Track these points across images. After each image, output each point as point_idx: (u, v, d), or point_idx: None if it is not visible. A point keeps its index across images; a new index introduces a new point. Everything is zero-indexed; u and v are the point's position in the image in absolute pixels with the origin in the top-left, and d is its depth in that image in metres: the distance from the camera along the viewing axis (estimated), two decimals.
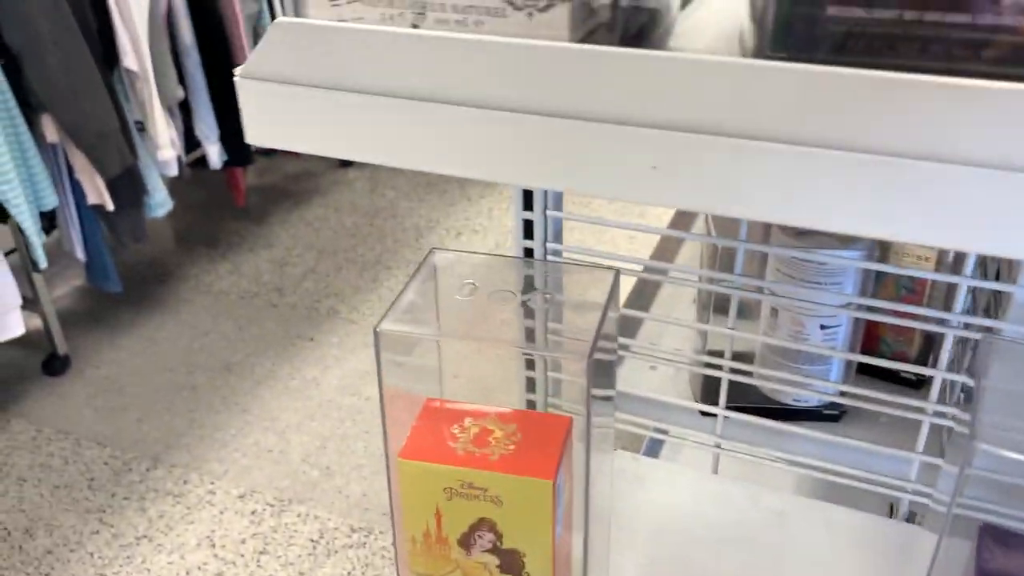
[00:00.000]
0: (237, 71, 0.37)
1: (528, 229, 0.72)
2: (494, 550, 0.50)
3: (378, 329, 0.45)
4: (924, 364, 0.81)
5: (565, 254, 0.75)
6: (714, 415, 0.78)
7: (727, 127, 0.29)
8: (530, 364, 0.75)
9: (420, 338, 0.46)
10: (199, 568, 1.57)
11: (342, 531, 1.67)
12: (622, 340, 0.81)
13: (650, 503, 0.75)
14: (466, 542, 0.50)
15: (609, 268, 0.47)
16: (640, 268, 0.77)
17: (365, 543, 1.65)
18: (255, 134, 0.38)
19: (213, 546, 1.62)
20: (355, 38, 0.33)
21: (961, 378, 0.63)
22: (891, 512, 0.86)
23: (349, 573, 1.59)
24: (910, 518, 0.78)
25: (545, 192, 0.70)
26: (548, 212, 0.72)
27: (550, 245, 0.73)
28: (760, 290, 0.74)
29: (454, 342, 0.47)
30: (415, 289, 0.47)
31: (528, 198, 0.71)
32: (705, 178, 0.30)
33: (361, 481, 1.78)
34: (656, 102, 0.30)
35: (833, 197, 0.28)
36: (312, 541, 1.65)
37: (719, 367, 0.74)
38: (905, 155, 0.26)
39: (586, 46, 0.30)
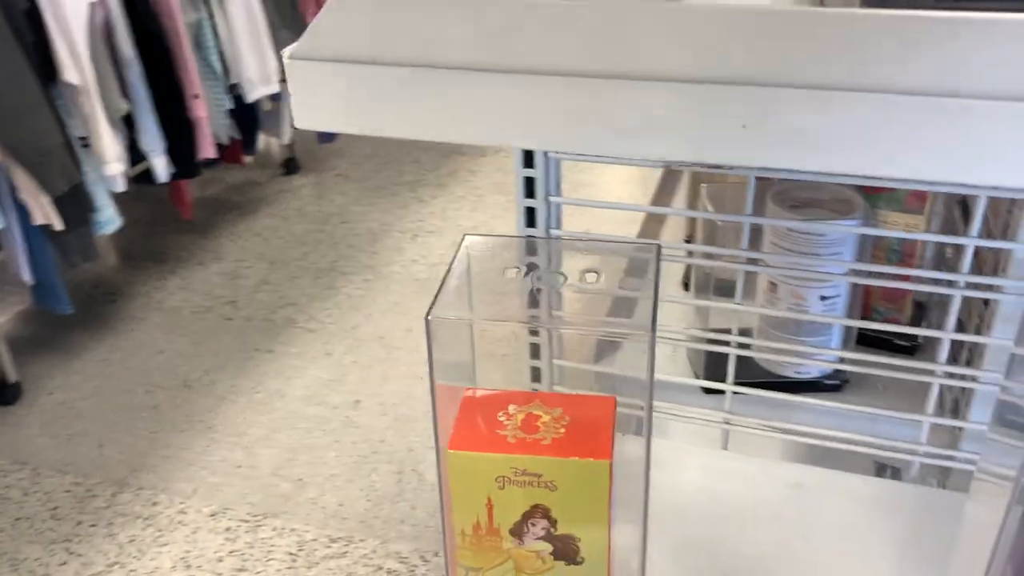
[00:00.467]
0: (285, 53, 0.36)
1: (530, 217, 0.72)
2: (548, 537, 0.49)
3: (429, 317, 0.44)
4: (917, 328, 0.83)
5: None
6: (717, 392, 0.79)
7: (815, 79, 0.29)
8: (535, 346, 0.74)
9: (469, 324, 0.46)
10: None
11: (321, 542, 1.64)
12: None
13: (665, 483, 0.75)
14: (519, 531, 0.49)
15: (649, 244, 0.47)
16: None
17: (346, 552, 1.62)
18: (305, 118, 0.36)
19: (189, 567, 1.58)
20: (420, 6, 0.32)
21: (973, 338, 0.64)
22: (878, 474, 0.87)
23: None
24: (903, 478, 0.80)
25: (547, 178, 0.70)
26: (550, 198, 0.71)
27: (553, 231, 0.73)
28: (758, 264, 0.74)
29: (498, 325, 0.46)
30: (456, 276, 0.47)
31: (530, 185, 0.71)
32: (797, 134, 0.30)
33: (336, 491, 1.75)
34: (744, 57, 0.29)
35: (942, 147, 0.28)
36: (291, 555, 1.62)
37: (726, 343, 0.75)
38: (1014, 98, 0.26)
39: (665, 4, 0.30)
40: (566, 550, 0.49)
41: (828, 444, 0.76)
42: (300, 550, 1.62)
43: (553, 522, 0.48)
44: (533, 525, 0.48)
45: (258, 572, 1.57)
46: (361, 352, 2.14)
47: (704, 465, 0.76)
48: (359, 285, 2.34)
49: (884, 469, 0.88)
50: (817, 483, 0.73)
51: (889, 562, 0.65)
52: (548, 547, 0.49)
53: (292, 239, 2.53)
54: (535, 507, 0.48)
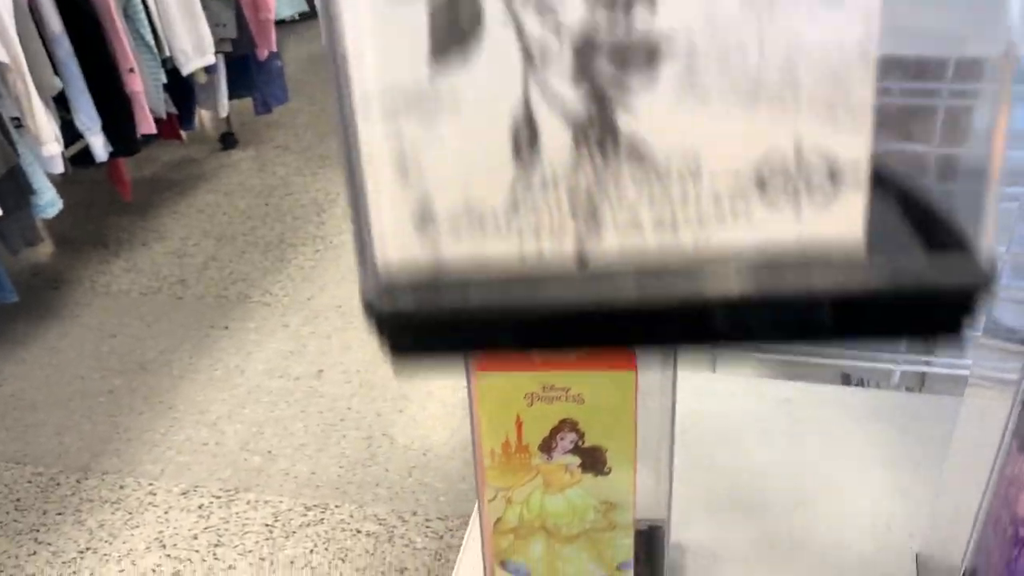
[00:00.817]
0: None
1: None
2: (576, 450, 0.50)
3: None
4: None
5: None
6: None
7: None
8: None
9: None
10: (153, 571, 1.51)
11: (296, 511, 1.64)
12: None
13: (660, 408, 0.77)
14: (547, 446, 0.50)
15: None
16: None
17: (323, 519, 1.63)
18: None
19: (164, 547, 1.56)
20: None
21: None
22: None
23: (312, 550, 1.56)
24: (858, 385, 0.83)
25: None
26: None
27: None
28: None
29: None
30: None
31: None
32: None
33: (307, 460, 1.75)
34: None
35: None
36: (267, 526, 1.61)
37: None
38: None
39: None
40: (594, 461, 0.50)
41: (810, 360, 0.79)
42: (276, 520, 1.62)
43: (581, 435, 0.49)
44: (562, 439, 0.49)
45: (235, 546, 1.57)
46: (319, 323, 2.12)
47: (696, 387, 0.78)
48: (310, 256, 2.32)
49: (849, 379, 0.91)
50: (805, 397, 0.76)
51: (882, 465, 0.69)
52: (576, 460, 0.50)
53: (237, 214, 2.48)
54: (563, 421, 0.49)
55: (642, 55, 0.19)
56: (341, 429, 1.83)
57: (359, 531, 1.60)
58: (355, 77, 0.19)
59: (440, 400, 1.86)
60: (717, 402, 0.77)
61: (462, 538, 0.68)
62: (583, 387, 0.48)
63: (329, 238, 2.37)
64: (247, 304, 2.15)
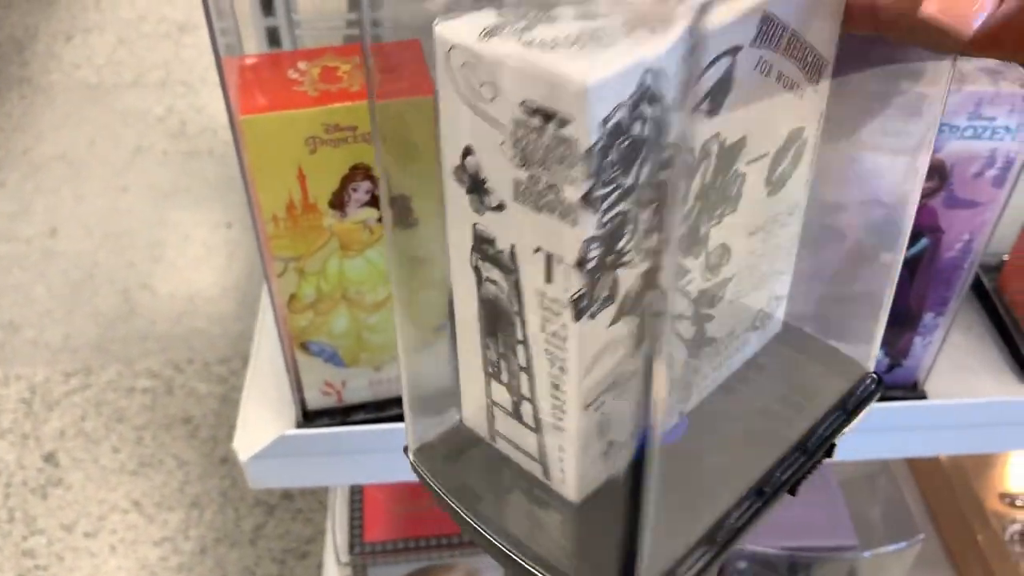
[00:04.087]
0: None
1: (267, 6, 0.60)
2: (373, 201, 0.44)
3: None
4: None
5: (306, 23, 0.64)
6: None
7: None
8: None
9: None
10: None
11: (55, 380, 1.48)
12: None
13: None
14: (339, 201, 0.43)
15: None
16: None
17: (89, 383, 1.48)
18: None
19: None
20: None
21: None
22: None
23: (83, 417, 1.43)
24: None
25: None
26: None
27: (294, 15, 0.62)
28: None
29: None
30: None
31: None
32: None
33: (56, 326, 1.57)
34: None
35: None
36: (24, 402, 1.45)
37: None
38: None
39: None
40: (396, 213, 0.44)
41: None
42: (33, 394, 1.45)
43: (377, 182, 0.43)
44: (355, 191, 0.43)
45: None
46: (42, 176, 1.87)
47: None
48: (16, 103, 2.01)
49: None
50: None
51: None
52: (375, 214, 0.44)
53: None
54: (355, 168, 0.42)
55: (721, 290, 0.29)
56: (91, 287, 1.65)
57: (132, 388, 1.48)
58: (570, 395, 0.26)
59: (200, 241, 1.71)
60: None
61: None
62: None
63: (36, 79, 2.06)
64: None
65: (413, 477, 0.57)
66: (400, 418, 0.53)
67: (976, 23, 0.22)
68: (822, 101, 0.28)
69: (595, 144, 0.21)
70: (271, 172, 0.41)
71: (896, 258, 0.32)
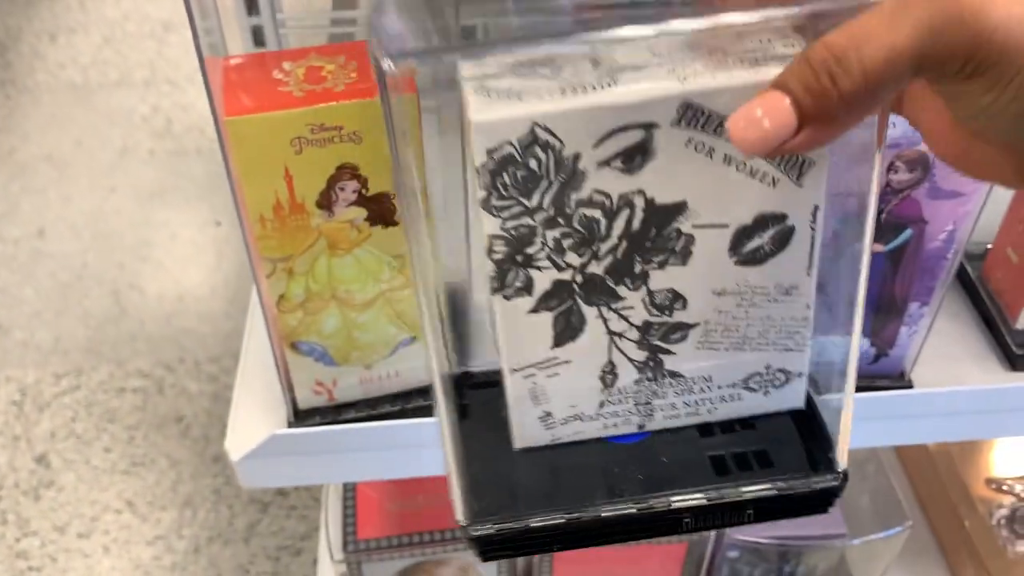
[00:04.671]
0: None
1: (251, 5, 0.60)
2: (360, 200, 0.44)
3: None
4: None
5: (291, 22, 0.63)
6: None
7: None
8: None
9: None
10: None
11: (46, 382, 1.48)
12: None
13: None
14: (327, 200, 0.43)
15: None
16: None
17: (79, 385, 1.48)
18: None
19: None
20: None
21: None
22: None
23: (73, 419, 1.43)
24: None
25: None
26: None
27: (279, 15, 0.61)
28: None
29: None
30: None
31: None
32: None
33: (46, 327, 1.56)
34: None
35: None
36: (15, 403, 1.44)
37: None
38: None
39: None
40: (382, 211, 0.44)
41: None
42: (24, 396, 1.45)
43: (364, 182, 0.43)
44: (342, 190, 0.43)
45: None
46: (28, 177, 1.86)
47: None
48: (1, 104, 1.99)
49: None
50: None
51: None
52: (362, 212, 0.44)
53: None
54: (341, 168, 0.42)
55: (678, 331, 0.33)
56: (80, 288, 1.64)
57: (123, 389, 1.48)
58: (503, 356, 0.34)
59: (188, 240, 1.71)
60: None
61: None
62: (359, 121, 0.41)
63: (20, 80, 2.05)
64: None
65: (405, 474, 0.57)
66: (392, 416, 0.54)
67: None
68: (814, 196, 0.30)
69: (483, 165, 0.29)
70: (257, 173, 0.41)
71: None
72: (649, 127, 0.28)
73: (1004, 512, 0.83)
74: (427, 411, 0.54)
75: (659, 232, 0.30)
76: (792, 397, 0.35)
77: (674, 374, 0.34)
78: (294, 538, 1.31)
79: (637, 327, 0.33)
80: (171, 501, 1.34)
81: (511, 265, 0.31)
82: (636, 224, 0.30)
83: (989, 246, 0.66)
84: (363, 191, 0.44)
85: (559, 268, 0.31)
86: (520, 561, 0.72)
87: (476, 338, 0.44)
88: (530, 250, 0.31)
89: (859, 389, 0.57)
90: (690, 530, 0.34)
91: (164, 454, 1.39)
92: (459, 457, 0.35)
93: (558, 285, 0.31)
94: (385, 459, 0.54)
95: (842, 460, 0.34)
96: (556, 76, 0.28)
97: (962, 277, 0.67)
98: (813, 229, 0.31)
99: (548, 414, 0.35)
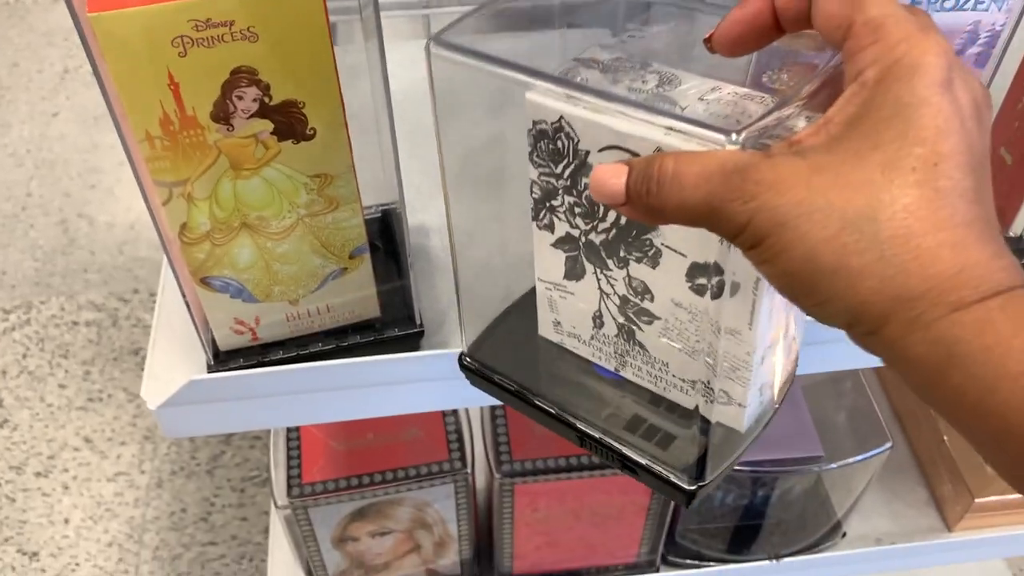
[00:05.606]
0: None
1: None
2: (263, 110, 0.38)
3: None
4: None
5: None
6: None
7: None
8: None
9: None
10: None
11: None
12: None
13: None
14: (223, 112, 0.37)
15: None
16: None
17: (29, 319, 1.41)
18: None
19: None
20: None
21: None
22: None
23: (25, 355, 1.37)
24: None
25: None
26: None
27: None
28: None
29: None
30: None
31: None
32: None
33: None
34: None
35: None
36: None
37: None
38: None
39: None
40: (291, 123, 0.38)
41: None
42: None
43: (266, 88, 0.37)
44: (240, 98, 0.37)
45: None
46: None
47: (412, 57, 0.66)
48: None
49: None
50: None
51: None
52: (267, 125, 0.38)
53: None
54: (237, 72, 0.36)
55: (645, 316, 0.38)
56: (26, 219, 1.56)
57: (76, 323, 1.41)
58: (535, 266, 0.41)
59: None
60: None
61: None
62: (252, 15, 0.34)
63: None
64: None
65: (341, 417, 0.53)
66: (324, 355, 0.49)
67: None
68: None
69: (529, 130, 0.36)
70: (136, 81, 0.35)
71: None
72: (635, 154, 0.32)
73: None
74: (364, 349, 0.49)
75: (637, 236, 0.35)
76: (733, 419, 0.39)
77: (642, 345, 0.39)
78: (259, 468, 1.27)
79: (618, 296, 0.38)
80: (131, 436, 1.29)
81: (542, 207, 0.38)
82: (623, 221, 0.35)
83: None
84: (266, 99, 0.37)
85: (571, 225, 0.37)
86: (481, 489, 0.69)
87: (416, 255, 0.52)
88: (554, 202, 0.37)
89: None
90: (580, 445, 0.42)
91: (121, 388, 1.34)
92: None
93: (569, 236, 0.38)
94: (319, 402, 0.49)
95: (710, 475, 0.39)
96: (610, 79, 0.37)
97: None
98: (755, 294, 0.33)
99: (558, 323, 0.42)
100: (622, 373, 0.40)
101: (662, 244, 0.34)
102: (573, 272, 0.39)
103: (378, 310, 0.49)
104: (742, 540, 0.76)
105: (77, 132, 1.71)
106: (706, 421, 0.38)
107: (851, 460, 0.67)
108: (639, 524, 0.69)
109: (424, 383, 0.50)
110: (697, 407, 0.38)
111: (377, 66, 0.41)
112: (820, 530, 0.77)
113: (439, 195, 0.42)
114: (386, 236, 0.52)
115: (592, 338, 0.41)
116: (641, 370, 0.40)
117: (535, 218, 0.39)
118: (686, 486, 0.38)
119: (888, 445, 0.68)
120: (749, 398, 0.37)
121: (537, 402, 0.42)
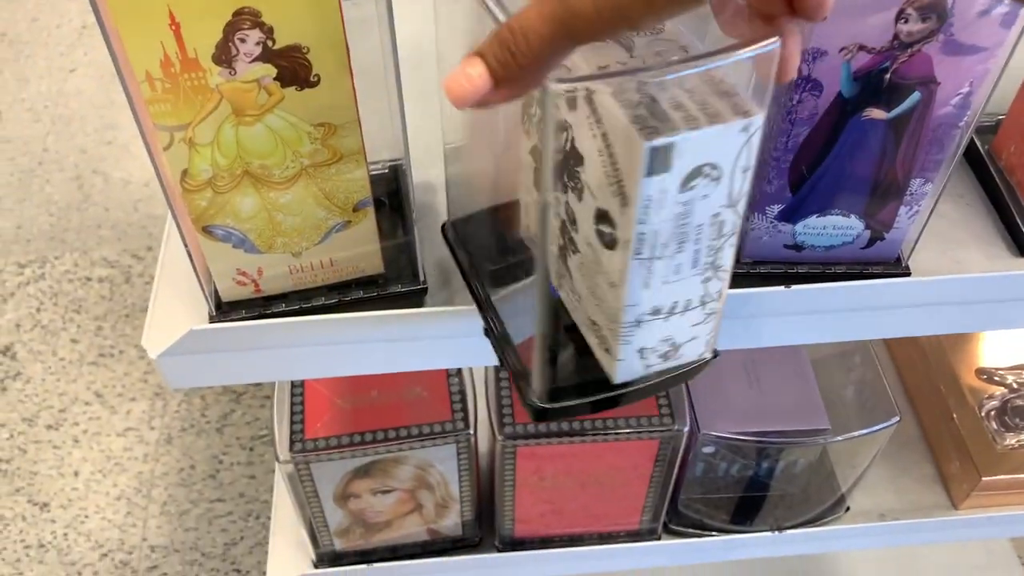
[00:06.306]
0: None
1: None
2: (266, 54, 0.37)
3: None
4: None
5: None
6: None
7: None
8: None
9: None
10: None
11: (9, 271, 1.42)
12: None
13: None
14: (225, 55, 0.36)
15: None
16: None
17: (43, 274, 1.42)
18: None
19: None
20: None
21: None
22: None
23: (39, 308, 1.38)
24: None
25: None
26: None
27: None
28: None
29: None
30: None
31: None
32: None
33: (7, 215, 1.50)
34: None
35: None
36: None
37: None
38: None
39: None
40: (295, 69, 0.38)
41: None
42: None
43: (269, 31, 0.36)
44: (243, 41, 0.36)
45: None
46: None
47: (422, 10, 0.65)
48: None
49: None
50: None
51: None
52: (270, 70, 0.37)
53: None
54: (239, 14, 0.35)
55: (573, 245, 0.39)
56: (41, 174, 1.57)
57: (89, 279, 1.42)
58: None
59: None
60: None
61: None
62: None
63: None
64: None
65: (342, 372, 0.52)
66: (327, 309, 0.48)
67: (469, 104, 0.31)
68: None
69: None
70: (136, 19, 0.34)
71: None
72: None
73: (994, 404, 0.79)
74: (367, 304, 0.48)
75: (573, 167, 0.36)
76: (608, 366, 0.40)
77: (570, 273, 0.40)
78: (268, 427, 1.28)
79: (559, 219, 0.39)
80: (141, 392, 1.30)
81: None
82: (568, 146, 0.36)
83: (1001, 117, 0.60)
84: (269, 43, 0.37)
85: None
86: (484, 452, 0.68)
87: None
88: (531, 110, 0.40)
89: (850, 276, 0.52)
90: (484, 334, 0.46)
91: (133, 344, 1.35)
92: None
93: (535, 148, 0.40)
94: (320, 356, 0.48)
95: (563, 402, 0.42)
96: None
97: (969, 153, 0.60)
98: (626, 252, 0.35)
99: (528, 228, 0.45)
100: (560, 293, 0.42)
101: (586, 181, 0.36)
102: (536, 184, 0.41)
103: (382, 266, 0.49)
104: (745, 511, 0.76)
105: (94, 88, 1.71)
106: (585, 355, 0.40)
107: (857, 433, 0.67)
108: (641, 491, 0.69)
109: (426, 341, 0.49)
110: (588, 345, 0.41)
111: (385, 19, 0.40)
112: (824, 503, 0.77)
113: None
114: (392, 193, 0.51)
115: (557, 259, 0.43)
116: (569, 296, 0.41)
117: (522, 121, 0.41)
118: (539, 403, 0.42)
119: (896, 419, 0.67)
120: (622, 353, 0.39)
121: (474, 285, 0.46)
